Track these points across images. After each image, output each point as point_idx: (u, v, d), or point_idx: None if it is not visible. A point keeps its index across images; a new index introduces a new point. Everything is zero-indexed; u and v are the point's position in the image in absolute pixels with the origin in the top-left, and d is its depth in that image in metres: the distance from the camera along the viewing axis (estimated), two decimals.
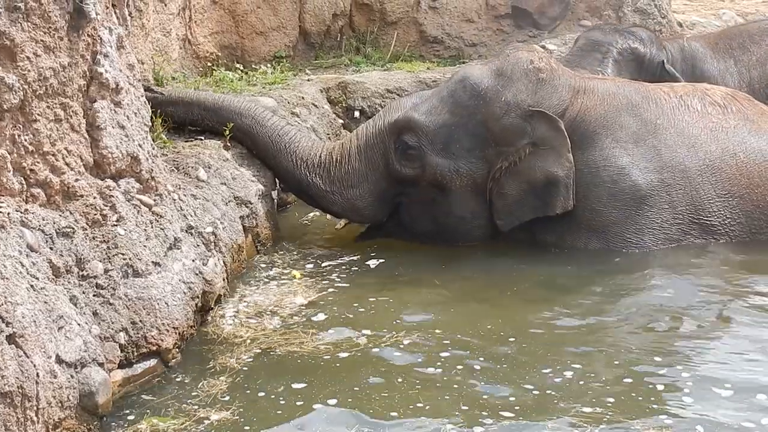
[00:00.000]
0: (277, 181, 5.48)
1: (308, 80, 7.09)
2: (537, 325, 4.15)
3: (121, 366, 3.53)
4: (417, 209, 5.16)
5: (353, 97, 7.03)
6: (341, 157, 5.17)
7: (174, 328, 3.74)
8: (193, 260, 4.05)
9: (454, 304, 4.43)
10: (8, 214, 3.25)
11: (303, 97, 6.47)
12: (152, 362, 3.67)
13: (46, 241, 3.38)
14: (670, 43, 6.91)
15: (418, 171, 5.06)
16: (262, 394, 3.53)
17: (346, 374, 3.67)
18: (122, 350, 3.54)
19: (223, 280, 4.32)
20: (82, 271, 3.51)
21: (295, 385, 3.58)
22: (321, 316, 4.22)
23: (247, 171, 5.20)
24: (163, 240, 3.92)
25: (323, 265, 4.93)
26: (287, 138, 5.23)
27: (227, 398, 3.50)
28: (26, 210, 3.36)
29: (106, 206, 3.71)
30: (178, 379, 3.67)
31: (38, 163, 3.44)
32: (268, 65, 7.31)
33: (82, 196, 3.63)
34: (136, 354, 3.60)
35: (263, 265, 4.92)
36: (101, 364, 3.31)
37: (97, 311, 3.49)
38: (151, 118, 4.36)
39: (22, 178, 3.39)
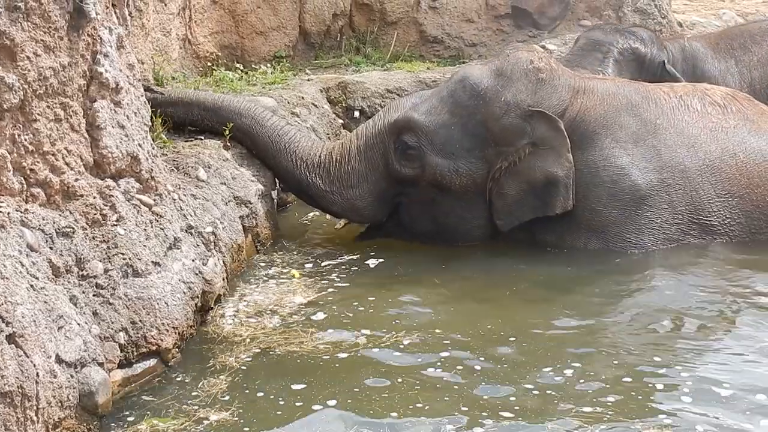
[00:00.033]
0: (276, 180, 5.48)
1: (308, 80, 7.09)
2: (537, 325, 4.15)
3: (120, 366, 3.53)
4: (417, 209, 5.17)
5: (353, 97, 7.03)
6: (341, 157, 5.17)
7: (174, 327, 3.74)
8: (192, 260, 4.05)
9: (454, 303, 4.43)
10: (8, 213, 3.25)
11: (303, 97, 6.47)
12: (152, 362, 3.67)
13: (46, 241, 3.38)
14: (671, 43, 6.90)
15: (418, 171, 5.06)
16: (261, 394, 3.53)
17: (346, 374, 3.67)
18: (122, 350, 3.54)
19: (223, 279, 4.32)
20: (82, 270, 3.51)
21: (294, 386, 3.58)
22: (320, 316, 4.22)
23: (247, 171, 5.20)
24: (163, 240, 3.92)
25: (323, 264, 4.93)
26: (287, 138, 5.23)
27: (227, 398, 3.50)
28: (26, 210, 3.36)
29: (106, 206, 3.71)
30: (177, 379, 3.67)
31: (38, 162, 3.44)
32: (268, 65, 7.31)
33: (82, 195, 3.63)
34: (135, 354, 3.60)
35: (263, 264, 4.92)
36: (101, 364, 3.31)
37: (97, 311, 3.49)
38: (151, 117, 4.36)
39: (22, 178, 3.39)
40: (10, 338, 2.89)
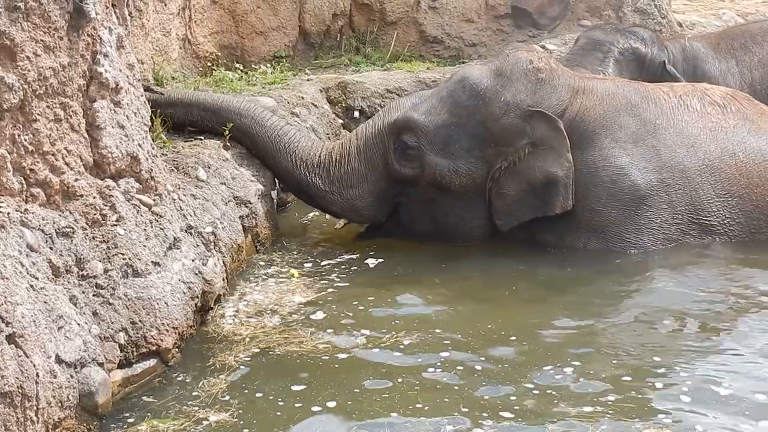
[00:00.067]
0: (276, 181, 5.48)
1: (308, 80, 7.09)
2: (537, 325, 4.15)
3: (120, 366, 3.53)
4: (416, 209, 5.17)
5: (353, 97, 7.03)
6: (341, 157, 5.17)
7: (174, 328, 3.74)
8: (192, 260, 4.05)
9: (454, 303, 4.43)
10: (8, 213, 3.25)
11: (303, 97, 6.47)
12: (152, 362, 3.66)
13: (46, 241, 3.38)
14: (671, 43, 6.90)
15: (418, 171, 5.06)
16: (261, 394, 3.53)
17: (346, 375, 3.67)
18: (122, 350, 3.54)
19: (223, 280, 4.32)
20: (82, 270, 3.51)
21: (294, 386, 3.57)
22: (320, 315, 4.22)
23: (247, 171, 5.20)
24: (163, 240, 3.92)
25: (322, 264, 4.93)
26: (287, 138, 5.23)
27: (227, 398, 3.50)
28: (26, 210, 3.36)
29: (106, 206, 3.71)
30: (177, 380, 3.67)
31: (38, 162, 3.44)
32: (268, 65, 7.32)
33: (81, 195, 3.63)
34: (135, 354, 3.60)
35: (262, 263, 4.92)
36: (101, 364, 3.31)
37: (97, 311, 3.49)
38: (151, 117, 4.36)
39: (21, 178, 3.39)
40: (10, 338, 2.89)
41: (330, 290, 4.55)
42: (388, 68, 7.71)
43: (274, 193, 5.51)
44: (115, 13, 4.03)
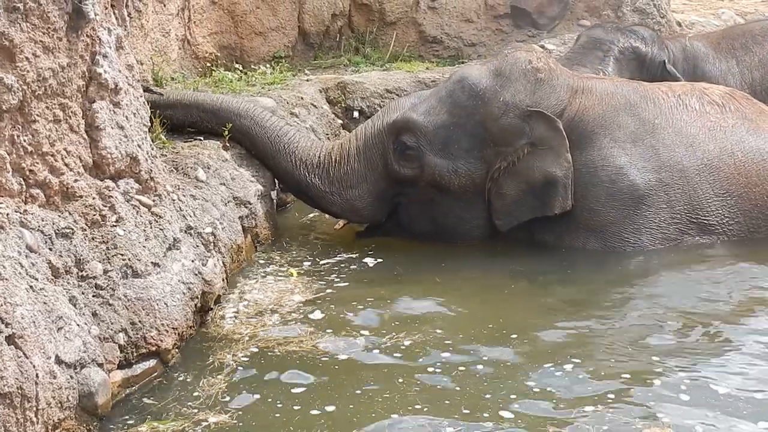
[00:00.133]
0: (276, 181, 5.48)
1: (307, 80, 7.09)
2: (537, 325, 4.15)
3: (120, 366, 3.53)
4: (416, 209, 5.17)
5: (352, 98, 7.03)
6: (340, 157, 5.18)
7: (173, 328, 3.74)
8: (192, 261, 4.05)
9: (454, 303, 4.42)
10: (7, 214, 3.25)
11: (302, 98, 6.47)
12: (152, 363, 3.66)
13: (46, 242, 3.38)
14: (672, 43, 6.90)
15: (417, 171, 5.06)
16: (260, 395, 3.52)
17: (346, 376, 3.67)
18: (122, 351, 3.54)
19: (223, 280, 4.32)
20: (82, 271, 3.51)
21: (293, 387, 3.57)
22: (320, 315, 4.22)
23: (246, 171, 5.20)
24: (163, 240, 3.92)
25: (322, 263, 4.93)
26: (286, 138, 5.23)
27: (227, 399, 3.49)
28: (25, 211, 3.36)
29: (105, 207, 3.71)
30: (177, 380, 3.66)
31: (37, 163, 3.44)
32: (267, 65, 7.31)
33: (81, 196, 3.63)
34: (135, 354, 3.60)
35: (261, 262, 4.91)
36: (101, 365, 3.31)
37: (97, 312, 3.49)
38: (150, 118, 4.36)
39: (21, 179, 3.39)
40: (10, 339, 2.90)
41: (329, 290, 4.55)
42: (388, 68, 7.71)
43: (273, 194, 5.51)
44: (114, 13, 4.03)
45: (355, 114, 6.97)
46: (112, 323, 3.53)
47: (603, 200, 4.91)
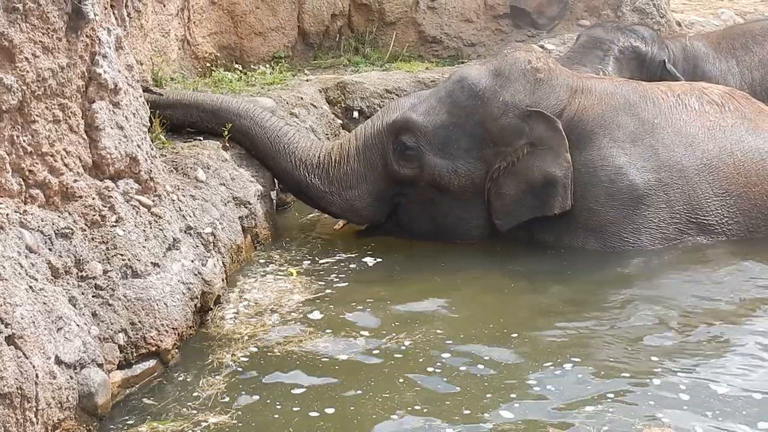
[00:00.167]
0: (275, 181, 5.48)
1: (307, 80, 7.09)
2: (537, 325, 4.15)
3: (120, 367, 3.53)
4: (415, 209, 5.17)
5: (352, 98, 7.03)
6: (340, 157, 5.18)
7: (173, 328, 3.74)
8: (192, 261, 4.05)
9: (454, 303, 4.42)
10: (7, 215, 3.25)
11: (302, 98, 6.47)
12: (151, 363, 3.66)
13: (45, 242, 3.38)
14: (672, 42, 6.90)
15: (417, 171, 5.06)
16: (260, 396, 3.52)
17: (345, 376, 3.67)
18: (121, 351, 3.54)
19: (223, 280, 4.32)
20: (81, 272, 3.51)
21: (293, 388, 3.57)
22: (319, 315, 4.22)
23: (246, 171, 5.20)
24: (162, 241, 3.92)
25: (321, 263, 4.92)
26: (286, 139, 5.23)
27: (226, 400, 3.49)
28: (25, 211, 3.36)
29: (105, 207, 3.71)
30: (177, 380, 3.66)
31: (37, 164, 3.44)
32: (267, 66, 7.31)
33: (80, 196, 3.63)
34: (135, 355, 3.60)
35: (261, 261, 4.91)
36: (100, 365, 3.31)
37: (96, 312, 3.49)
38: (150, 118, 4.36)
39: (20, 179, 3.39)
40: (10, 339, 2.90)
41: (329, 290, 4.55)
42: (387, 68, 7.71)
43: (273, 194, 5.51)
44: (113, 14, 4.04)
45: (355, 114, 6.98)
46: (111, 323, 3.53)
47: (602, 200, 4.91)
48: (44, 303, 3.14)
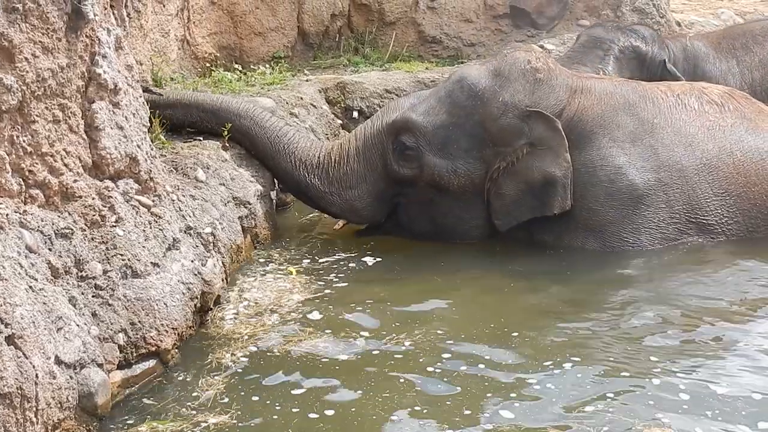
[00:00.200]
0: (275, 181, 5.48)
1: (307, 81, 7.10)
2: (537, 325, 4.15)
3: (120, 367, 3.53)
4: (415, 209, 5.17)
5: (352, 98, 7.03)
6: (339, 157, 5.18)
7: (173, 328, 3.74)
8: (191, 261, 4.05)
9: (454, 303, 4.42)
10: (7, 215, 3.25)
11: (301, 98, 6.48)
12: (151, 363, 3.66)
13: (45, 242, 3.38)
14: (672, 42, 6.91)
15: (416, 171, 5.06)
16: (260, 397, 3.52)
17: (345, 376, 3.66)
18: (121, 351, 3.54)
19: (222, 280, 4.32)
20: (81, 272, 3.51)
21: (293, 388, 3.57)
22: (319, 315, 4.21)
23: (246, 171, 5.21)
24: (162, 241, 3.92)
25: (321, 262, 4.92)
26: (286, 139, 5.24)
27: (226, 400, 3.49)
28: (25, 211, 3.36)
29: (105, 207, 3.71)
30: (177, 381, 3.66)
31: (37, 164, 3.44)
32: (267, 66, 7.32)
33: (80, 197, 3.63)
34: (135, 355, 3.60)
35: (261, 260, 4.91)
36: (100, 365, 3.31)
37: (96, 312, 3.49)
38: (150, 118, 4.36)
39: (20, 179, 3.39)
40: (10, 339, 2.90)
41: (328, 290, 4.55)
42: (387, 68, 7.72)
43: (273, 194, 5.51)
44: (113, 14, 4.04)
45: (355, 114, 6.98)
46: (111, 323, 3.53)
47: (602, 200, 4.91)
48: (44, 303, 3.14)
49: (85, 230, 3.61)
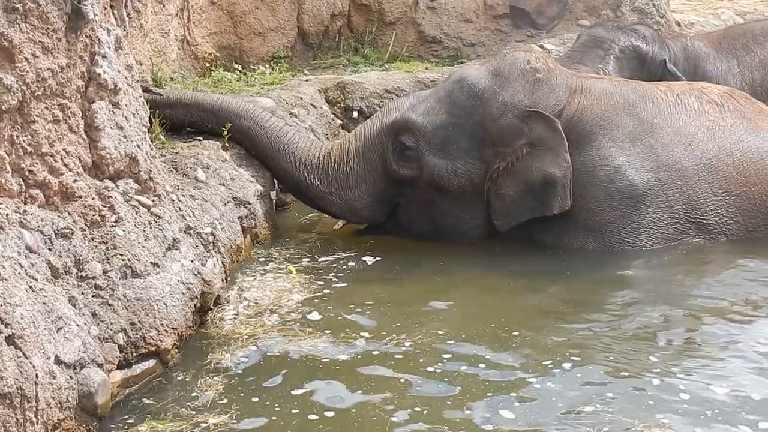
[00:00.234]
0: (275, 181, 5.48)
1: (306, 81, 7.09)
2: (537, 325, 4.15)
3: (120, 367, 3.53)
4: (415, 210, 5.17)
5: (351, 98, 7.03)
6: (339, 158, 5.18)
7: (173, 328, 3.74)
8: (191, 261, 4.05)
9: (454, 303, 4.42)
10: (7, 215, 3.25)
11: (301, 98, 6.48)
12: (151, 363, 3.66)
13: (45, 242, 3.38)
14: (673, 42, 6.90)
15: (416, 172, 5.06)
16: (260, 397, 3.52)
17: (345, 377, 3.66)
18: (121, 351, 3.54)
19: (222, 280, 4.32)
20: (81, 272, 3.51)
21: (293, 389, 3.57)
22: (319, 316, 4.21)
23: (246, 171, 5.21)
24: (162, 241, 3.92)
25: (321, 262, 4.92)
26: (286, 139, 5.24)
27: (225, 401, 3.49)
28: (25, 211, 3.36)
29: (105, 207, 3.71)
30: (176, 381, 3.66)
31: (37, 164, 3.44)
32: (267, 66, 7.32)
33: (80, 197, 3.63)
34: (135, 355, 3.60)
35: (261, 259, 4.91)
36: (100, 365, 3.31)
37: (96, 312, 3.49)
38: (150, 118, 4.36)
39: (20, 179, 3.39)
40: (10, 339, 2.90)
41: (328, 290, 4.55)
42: (387, 68, 7.71)
43: (273, 194, 5.51)
44: (113, 14, 4.04)
45: (355, 114, 6.98)
46: (111, 323, 3.53)
47: (602, 200, 4.91)
48: (44, 303, 3.14)
49: (85, 230, 3.61)
